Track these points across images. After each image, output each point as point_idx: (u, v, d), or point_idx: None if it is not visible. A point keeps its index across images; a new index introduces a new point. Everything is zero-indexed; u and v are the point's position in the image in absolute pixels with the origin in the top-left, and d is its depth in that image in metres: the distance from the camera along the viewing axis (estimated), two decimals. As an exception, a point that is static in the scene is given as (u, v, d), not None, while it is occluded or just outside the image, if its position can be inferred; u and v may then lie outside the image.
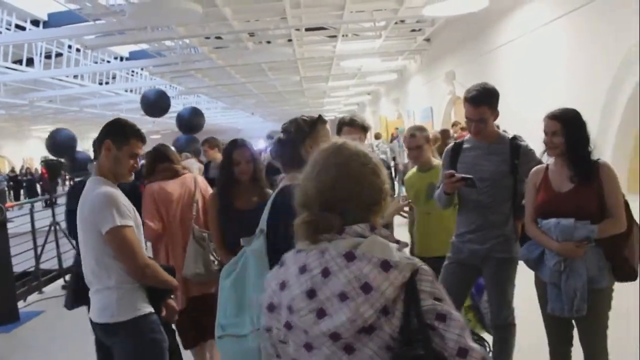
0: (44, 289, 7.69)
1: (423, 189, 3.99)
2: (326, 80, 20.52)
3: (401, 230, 4.70)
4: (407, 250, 1.48)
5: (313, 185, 1.50)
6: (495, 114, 3.33)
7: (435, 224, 4.00)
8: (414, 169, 4.32)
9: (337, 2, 9.98)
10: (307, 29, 12.62)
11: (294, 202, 2.29)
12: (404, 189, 5.19)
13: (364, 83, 22.97)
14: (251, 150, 3.59)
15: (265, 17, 10.60)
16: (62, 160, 9.82)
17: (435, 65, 16.10)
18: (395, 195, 9.28)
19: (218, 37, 12.29)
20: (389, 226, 3.58)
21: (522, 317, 3.43)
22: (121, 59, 15.49)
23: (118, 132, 2.76)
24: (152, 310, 2.76)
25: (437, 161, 4.18)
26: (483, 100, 3.27)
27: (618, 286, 2.99)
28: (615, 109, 7.75)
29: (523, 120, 6.26)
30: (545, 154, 3.03)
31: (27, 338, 5.92)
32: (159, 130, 30.35)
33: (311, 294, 1.40)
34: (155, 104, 12.02)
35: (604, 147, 7.69)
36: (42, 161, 25.33)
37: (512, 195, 3.35)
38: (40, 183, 25.95)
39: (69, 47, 13.27)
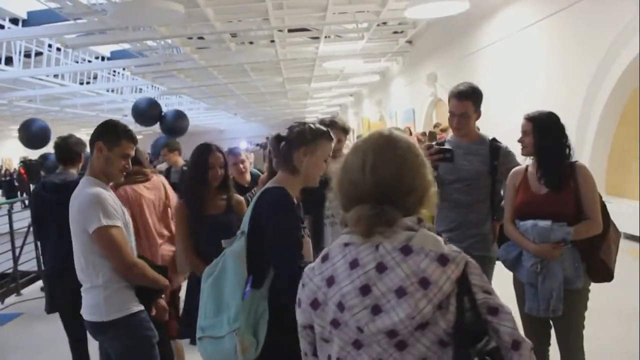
0: (22, 291, 7.59)
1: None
2: (309, 81, 20.55)
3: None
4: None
5: (369, 178, 1.42)
6: (478, 113, 3.39)
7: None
8: None
9: (320, 3, 10.01)
10: (289, 30, 12.64)
11: (280, 205, 2.25)
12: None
13: (346, 84, 23.04)
14: (225, 156, 3.55)
15: (247, 18, 10.60)
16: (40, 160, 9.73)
17: (417, 67, 16.20)
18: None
19: (200, 38, 12.26)
20: None
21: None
22: (102, 58, 15.37)
23: (109, 133, 2.78)
24: (142, 308, 2.77)
25: None
26: (468, 95, 3.33)
27: (618, 286, 3.04)
28: (593, 111, 7.86)
29: (502, 123, 6.32)
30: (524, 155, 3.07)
31: (5, 340, 5.86)
32: (140, 131, 30.18)
33: (365, 289, 1.34)
34: (146, 112, 11.87)
35: (582, 149, 7.80)
36: (20, 161, 25.05)
37: (491, 195, 3.41)
38: (17, 184, 25.57)
39: (49, 46, 13.15)
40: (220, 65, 14.94)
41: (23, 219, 8.41)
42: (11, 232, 7.94)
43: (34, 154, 11.96)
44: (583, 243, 2.87)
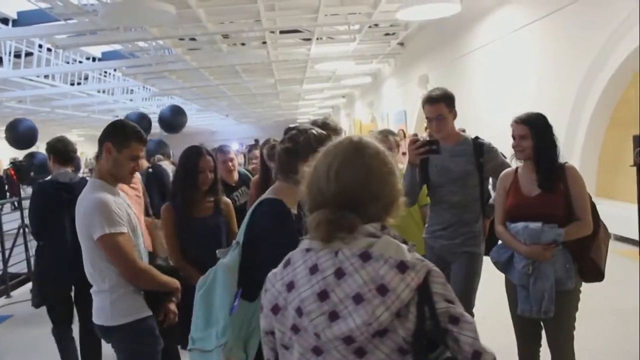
0: (12, 293, 7.53)
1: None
2: (300, 83, 20.55)
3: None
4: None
5: (333, 184, 1.41)
6: (454, 113, 3.47)
7: (408, 224, 4.03)
8: None
9: (312, 5, 10.01)
10: (281, 32, 12.63)
11: (275, 217, 2.14)
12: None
13: (338, 86, 23.07)
14: (214, 160, 3.53)
15: (239, 19, 10.59)
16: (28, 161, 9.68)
17: (409, 69, 16.24)
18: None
19: (192, 39, 12.23)
20: None
21: (494, 318, 3.47)
22: (93, 59, 15.30)
23: (119, 134, 2.73)
24: (149, 314, 2.75)
25: (401, 166, 4.23)
26: (439, 98, 3.41)
27: (609, 287, 3.06)
28: (583, 113, 7.91)
29: (493, 124, 6.34)
30: (514, 157, 3.08)
31: (-6, 342, 5.82)
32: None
33: (323, 295, 1.33)
34: (173, 121, 11.77)
35: (573, 151, 7.84)
36: (10, 163, 24.84)
37: (481, 193, 3.48)
38: (6, 186, 25.33)
39: (40, 46, 13.07)
40: (212, 67, 14.92)
41: (13, 220, 8.37)
42: (0, 234, 7.88)
43: (20, 154, 11.88)
44: (574, 244, 2.89)
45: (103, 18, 8.19)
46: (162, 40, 11.49)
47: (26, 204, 5.97)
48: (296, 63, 16.18)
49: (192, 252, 3.30)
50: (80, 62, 14.96)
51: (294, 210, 2.31)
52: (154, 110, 22.23)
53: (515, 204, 3.00)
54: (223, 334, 2.10)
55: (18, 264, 7.93)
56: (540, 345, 3.14)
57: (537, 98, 8.59)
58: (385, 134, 4.18)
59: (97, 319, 2.73)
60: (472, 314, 3.47)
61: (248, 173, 5.17)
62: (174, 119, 11.51)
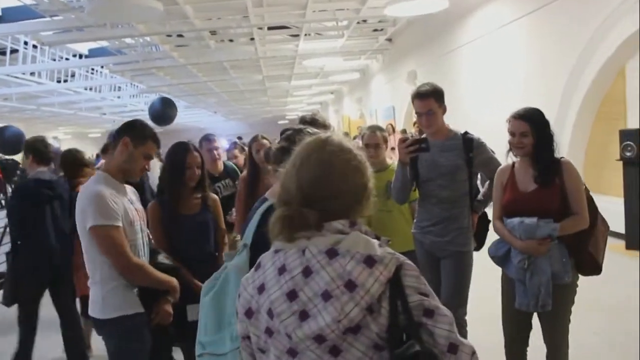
0: (-2, 292, 7.49)
1: (382, 187, 4.04)
2: (289, 79, 20.52)
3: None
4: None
5: (294, 181, 1.41)
6: (443, 108, 3.48)
7: (398, 220, 4.04)
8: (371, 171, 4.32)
9: (300, 1, 9.99)
10: (269, 28, 12.60)
11: None
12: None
13: (326, 82, 23.04)
14: (202, 156, 3.51)
15: (227, 16, 10.53)
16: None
17: (397, 65, 16.27)
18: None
19: (179, 35, 12.18)
20: None
21: (488, 315, 3.47)
22: (80, 56, 15.17)
23: (138, 131, 2.80)
24: (140, 311, 2.74)
25: (390, 161, 4.24)
26: (429, 93, 3.42)
27: (601, 279, 3.08)
28: (570, 108, 7.96)
29: (481, 119, 6.38)
30: (510, 153, 3.08)
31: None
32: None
33: (292, 295, 1.32)
34: (163, 113, 11.70)
35: (560, 146, 7.88)
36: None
37: (470, 188, 3.50)
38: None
39: (25, 43, 12.94)
40: (200, 63, 14.85)
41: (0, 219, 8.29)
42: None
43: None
44: (571, 238, 2.91)
45: (89, 14, 8.11)
46: (150, 36, 11.41)
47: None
48: (284, 59, 16.14)
49: (180, 250, 3.28)
50: (66, 59, 14.82)
51: None
52: (141, 107, 22.11)
53: (511, 200, 3.02)
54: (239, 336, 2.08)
55: (2, 264, 7.86)
56: (527, 345, 3.16)
57: (525, 93, 8.63)
58: (374, 130, 4.18)
59: (91, 311, 2.77)
60: (465, 311, 3.49)
61: (235, 167, 5.14)
62: (163, 111, 11.44)
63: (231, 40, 13.60)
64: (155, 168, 6.08)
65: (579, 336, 3.29)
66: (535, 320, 3.09)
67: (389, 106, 17.82)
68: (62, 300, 4.36)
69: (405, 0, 8.53)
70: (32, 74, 14.93)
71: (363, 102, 22.86)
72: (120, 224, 2.65)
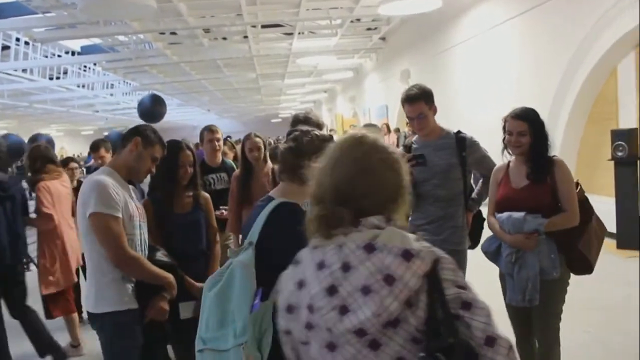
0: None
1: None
2: (282, 77, 20.53)
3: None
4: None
5: (329, 179, 1.42)
6: (434, 109, 3.48)
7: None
8: None
9: (293, -1, 10.00)
10: (263, 26, 12.59)
11: (299, 222, 2.18)
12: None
13: (320, 81, 23.06)
14: (194, 154, 3.50)
15: (220, 14, 10.53)
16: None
17: (390, 64, 16.28)
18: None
19: (173, 33, 12.14)
20: None
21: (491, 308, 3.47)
22: (73, 53, 15.12)
23: (147, 134, 2.90)
24: (134, 307, 2.74)
25: None
26: (418, 96, 3.41)
27: (593, 278, 3.09)
28: (563, 108, 7.99)
29: (474, 119, 6.39)
30: (505, 152, 3.11)
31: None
32: (112, 127, 29.79)
33: (332, 290, 1.33)
34: (153, 110, 11.66)
35: (552, 145, 7.91)
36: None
37: (464, 186, 3.51)
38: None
39: (17, 40, 12.89)
40: (193, 61, 14.84)
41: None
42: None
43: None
44: (561, 235, 2.93)
45: (82, 11, 8.09)
46: (143, 34, 11.40)
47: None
48: (278, 58, 16.14)
49: (172, 248, 3.27)
50: (59, 56, 14.78)
51: None
52: (134, 105, 22.05)
53: (504, 195, 3.06)
54: (242, 333, 2.06)
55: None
56: (532, 342, 3.17)
57: (518, 93, 8.66)
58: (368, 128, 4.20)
59: (85, 304, 2.80)
60: None
61: (233, 164, 5.13)
62: (153, 108, 11.39)
63: (225, 38, 13.59)
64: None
65: (571, 334, 3.31)
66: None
67: (382, 105, 17.85)
68: (16, 299, 4.41)
69: (399, -1, 8.53)
70: (24, 70, 14.87)
71: (356, 101, 22.87)
72: (120, 215, 2.66)
